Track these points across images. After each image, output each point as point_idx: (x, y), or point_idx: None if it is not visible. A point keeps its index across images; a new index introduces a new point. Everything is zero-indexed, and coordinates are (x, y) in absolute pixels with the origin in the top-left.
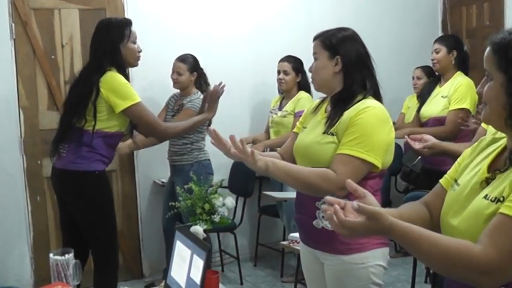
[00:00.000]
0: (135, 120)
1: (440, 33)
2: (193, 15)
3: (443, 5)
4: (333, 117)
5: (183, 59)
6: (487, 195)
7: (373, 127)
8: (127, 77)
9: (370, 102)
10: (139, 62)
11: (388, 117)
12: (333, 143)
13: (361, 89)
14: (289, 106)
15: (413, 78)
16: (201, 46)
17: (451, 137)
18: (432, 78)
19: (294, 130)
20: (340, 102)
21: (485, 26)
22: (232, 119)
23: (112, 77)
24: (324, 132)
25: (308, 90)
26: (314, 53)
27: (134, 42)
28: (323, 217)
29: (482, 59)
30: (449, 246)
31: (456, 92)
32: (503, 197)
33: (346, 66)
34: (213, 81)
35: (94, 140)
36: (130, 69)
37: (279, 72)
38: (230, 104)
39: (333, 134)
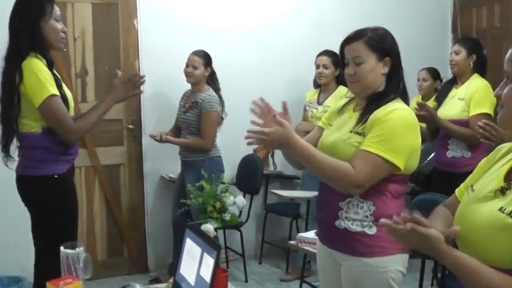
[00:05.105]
0: (45, 117)
1: (450, 35)
2: (205, 10)
3: (454, 6)
4: (363, 116)
5: (199, 53)
6: (502, 207)
7: (398, 128)
8: (51, 61)
9: (399, 104)
10: (63, 45)
11: (416, 122)
12: (359, 143)
13: (395, 90)
14: (330, 101)
15: (418, 80)
16: (212, 41)
17: (474, 141)
18: (441, 79)
19: (319, 124)
20: (373, 102)
21: (496, 27)
22: (243, 114)
23: (29, 64)
24: (351, 131)
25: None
26: (357, 57)
27: (57, 21)
28: (346, 218)
29: (492, 60)
30: None
31: (475, 96)
32: None
33: (393, 67)
34: (223, 75)
35: (45, 140)
36: (140, 62)
37: (318, 67)
38: (242, 98)
39: (359, 134)
